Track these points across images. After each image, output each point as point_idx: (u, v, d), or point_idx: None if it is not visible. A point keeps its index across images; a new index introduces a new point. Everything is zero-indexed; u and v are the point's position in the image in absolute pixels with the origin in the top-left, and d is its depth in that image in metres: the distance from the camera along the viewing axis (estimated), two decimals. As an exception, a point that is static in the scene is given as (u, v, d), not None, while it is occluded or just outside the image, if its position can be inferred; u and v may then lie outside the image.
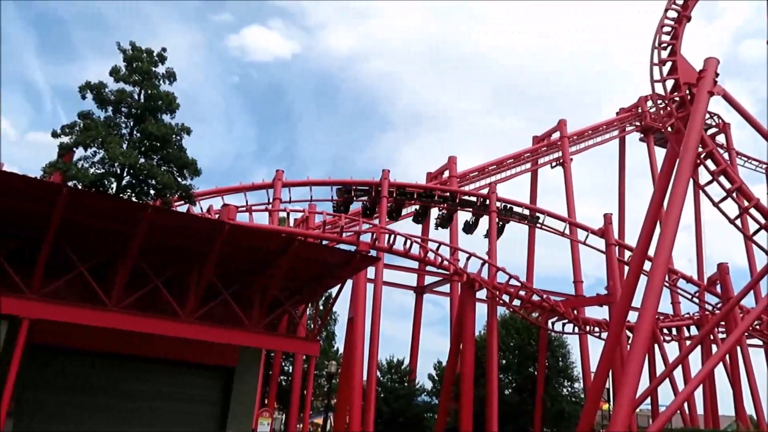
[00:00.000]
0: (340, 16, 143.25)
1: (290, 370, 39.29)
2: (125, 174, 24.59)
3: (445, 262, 35.71)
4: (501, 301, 36.69)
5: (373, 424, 32.20)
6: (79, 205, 15.10)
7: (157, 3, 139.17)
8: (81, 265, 16.02)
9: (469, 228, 45.59)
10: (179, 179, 25.97)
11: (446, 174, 48.59)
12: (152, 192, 25.34)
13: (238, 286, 18.67)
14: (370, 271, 34.97)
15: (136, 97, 25.39)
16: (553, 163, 52.67)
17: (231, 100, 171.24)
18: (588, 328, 39.68)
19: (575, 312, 39.16)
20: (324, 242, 30.36)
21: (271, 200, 37.52)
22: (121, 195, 23.80)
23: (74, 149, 24.31)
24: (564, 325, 39.32)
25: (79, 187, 22.04)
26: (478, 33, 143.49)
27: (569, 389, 44.97)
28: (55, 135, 24.13)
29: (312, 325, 31.92)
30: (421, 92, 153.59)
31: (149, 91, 25.31)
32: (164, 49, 26.33)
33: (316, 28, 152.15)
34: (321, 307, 28.27)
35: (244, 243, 17.67)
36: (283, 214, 36.29)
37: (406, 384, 42.10)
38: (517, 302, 36.27)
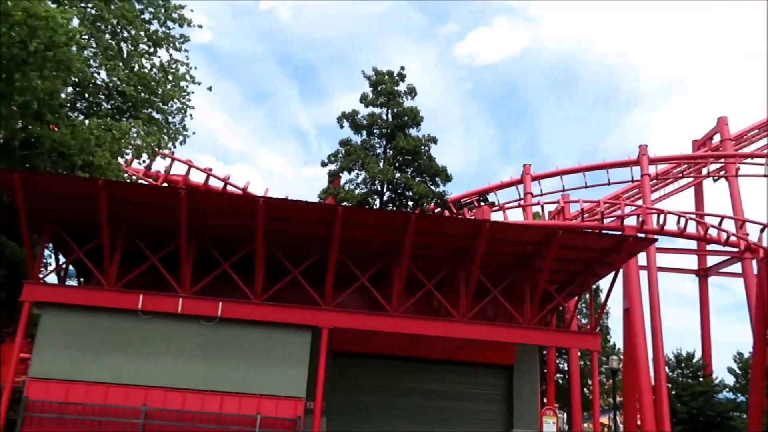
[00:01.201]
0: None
1: (564, 368, 37.87)
2: (385, 189, 26.44)
3: (733, 238, 30.95)
4: (815, 276, 30.40)
5: (669, 424, 29.15)
6: (352, 221, 16.48)
7: (387, 30, 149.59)
8: (362, 276, 17.41)
9: None
10: (432, 187, 27.08)
11: (716, 138, 42.39)
12: (410, 203, 26.82)
13: (508, 283, 18.48)
14: (641, 258, 31.94)
15: (384, 117, 27.24)
16: None
17: (468, 105, 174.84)
18: None
19: None
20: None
21: (522, 196, 36.88)
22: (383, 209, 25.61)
23: (340, 174, 26.98)
24: None
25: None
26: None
27: None
28: (323, 165, 27.12)
29: (587, 320, 30.32)
30: (669, 61, 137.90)
31: (395, 110, 26.93)
32: (403, 68, 27.86)
33: (541, 17, 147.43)
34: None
35: (506, 238, 17.44)
36: (536, 208, 35.36)
37: (701, 379, 37.38)
38: (838, 276, 29.67)
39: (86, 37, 16.93)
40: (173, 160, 28.03)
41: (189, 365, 15.66)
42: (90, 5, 17.73)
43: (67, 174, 15.95)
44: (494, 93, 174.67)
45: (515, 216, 35.50)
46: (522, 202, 36.06)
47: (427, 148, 26.96)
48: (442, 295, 17.98)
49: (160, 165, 27.95)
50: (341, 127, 27.31)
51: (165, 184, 26.02)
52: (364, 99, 27.22)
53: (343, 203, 24.37)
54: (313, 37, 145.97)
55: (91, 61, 17.57)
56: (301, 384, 16.12)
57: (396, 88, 27.42)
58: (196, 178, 28.16)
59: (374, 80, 27.38)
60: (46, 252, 18.89)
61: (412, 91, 27.58)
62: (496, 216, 33.49)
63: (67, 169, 16.36)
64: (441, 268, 18.34)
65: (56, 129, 16.68)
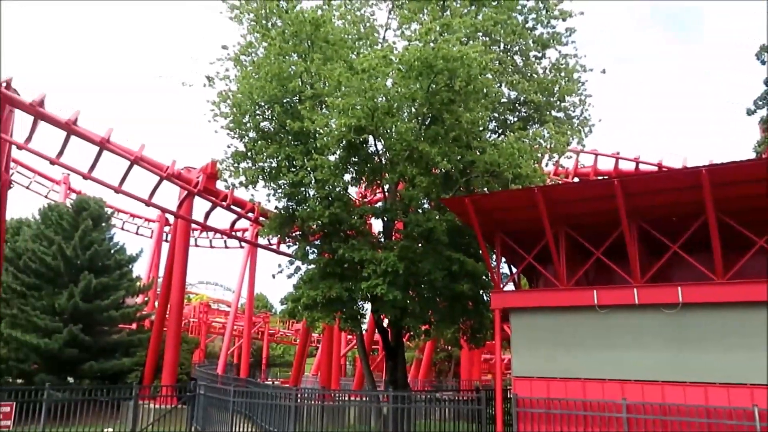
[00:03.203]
0: None
1: None
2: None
3: None
4: None
5: None
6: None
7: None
8: None
9: None
10: None
11: None
12: None
13: None
14: None
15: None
16: None
17: None
18: None
19: None
20: None
21: None
22: None
23: (773, 120, 22.71)
24: None
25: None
26: None
27: None
28: (749, 113, 23.24)
29: None
30: None
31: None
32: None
33: None
34: None
35: None
36: None
37: None
38: None
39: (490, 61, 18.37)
40: (578, 153, 28.01)
41: (659, 356, 14.90)
42: (480, 33, 19.23)
43: (504, 189, 17.38)
44: None
45: None
46: None
47: None
48: None
49: (565, 161, 28.26)
50: (762, 63, 23.00)
51: (575, 179, 26.17)
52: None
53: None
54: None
55: (497, 82, 18.95)
56: (804, 370, 13.62)
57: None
58: (605, 165, 27.53)
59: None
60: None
61: None
62: None
63: (501, 185, 17.85)
64: None
65: (478, 153, 18.45)
